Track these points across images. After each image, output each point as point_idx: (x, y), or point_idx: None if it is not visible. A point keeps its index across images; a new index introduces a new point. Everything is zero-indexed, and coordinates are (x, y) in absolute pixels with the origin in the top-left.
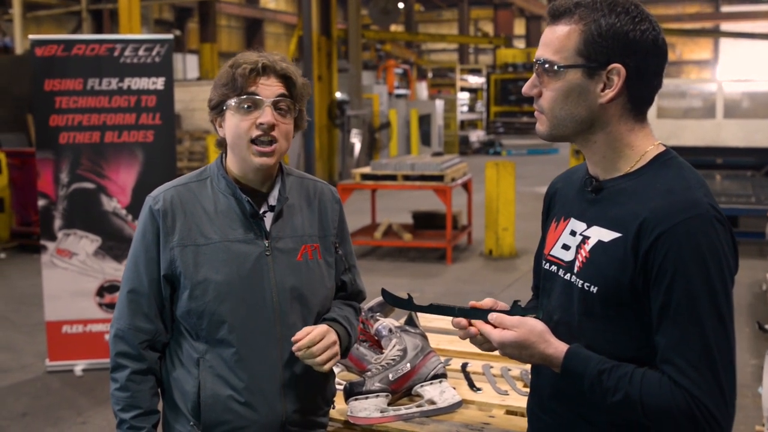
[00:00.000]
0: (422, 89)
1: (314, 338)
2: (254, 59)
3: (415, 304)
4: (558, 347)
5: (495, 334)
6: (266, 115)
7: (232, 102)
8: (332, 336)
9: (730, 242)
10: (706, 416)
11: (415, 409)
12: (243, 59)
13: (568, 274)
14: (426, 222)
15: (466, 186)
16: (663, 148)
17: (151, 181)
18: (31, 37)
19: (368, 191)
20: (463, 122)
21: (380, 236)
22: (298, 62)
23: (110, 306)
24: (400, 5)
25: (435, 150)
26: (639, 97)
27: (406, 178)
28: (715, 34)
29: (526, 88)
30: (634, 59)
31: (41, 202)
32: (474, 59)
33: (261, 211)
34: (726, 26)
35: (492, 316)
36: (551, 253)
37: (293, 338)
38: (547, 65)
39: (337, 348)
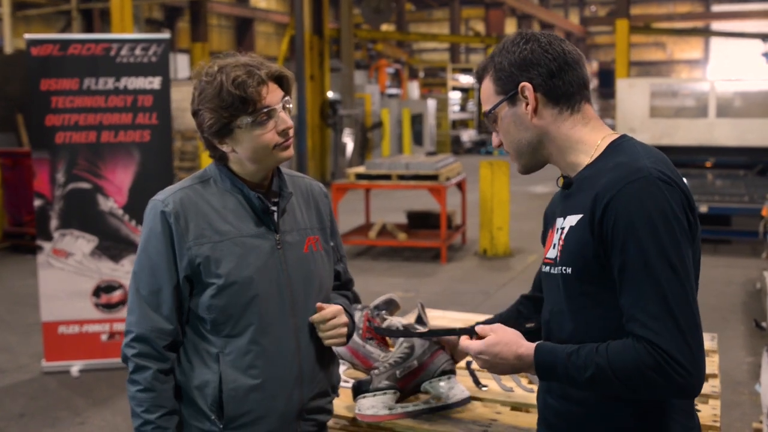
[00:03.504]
0: (414, 89)
1: (326, 315)
2: (246, 70)
3: (410, 331)
4: (529, 346)
5: (472, 345)
6: (284, 121)
7: (246, 121)
8: (344, 318)
9: (680, 201)
10: (671, 364)
11: (423, 406)
12: (234, 72)
13: (556, 268)
14: (420, 221)
15: (460, 185)
16: (617, 135)
17: (148, 180)
18: (26, 36)
19: (362, 191)
20: (454, 122)
21: (375, 236)
22: (290, 62)
23: (106, 306)
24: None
25: (427, 149)
26: (557, 95)
27: (401, 177)
28: (706, 33)
29: (495, 142)
30: (534, 71)
31: (37, 202)
32: (465, 59)
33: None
34: (717, 25)
35: (478, 328)
36: (546, 256)
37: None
38: (487, 116)
39: (345, 330)
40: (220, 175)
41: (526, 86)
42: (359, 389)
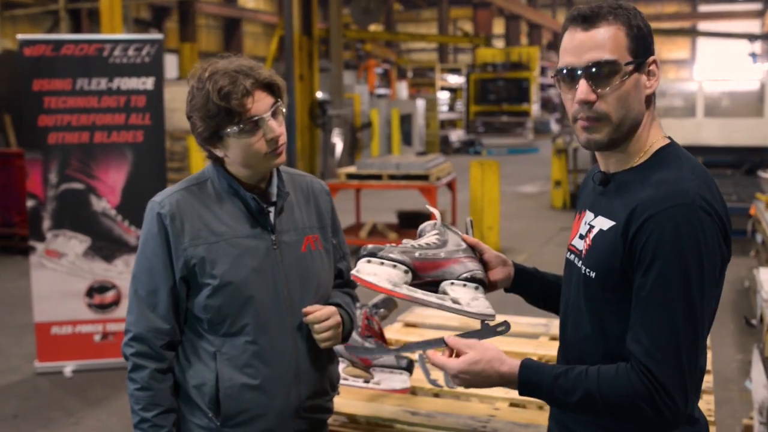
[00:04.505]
0: (402, 89)
1: (319, 317)
2: (232, 79)
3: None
4: (512, 363)
5: (450, 363)
6: (273, 130)
7: (233, 130)
8: (337, 318)
9: (716, 233)
10: (664, 398)
11: (434, 299)
12: (220, 81)
13: (580, 262)
14: (411, 221)
15: (450, 185)
16: (667, 141)
17: (141, 181)
18: (19, 36)
19: (353, 191)
20: (443, 122)
21: (365, 236)
22: (279, 62)
23: (100, 307)
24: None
25: (417, 150)
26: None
27: (392, 177)
28: (693, 33)
29: (584, 95)
30: (653, 50)
31: (30, 203)
32: (453, 59)
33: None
34: (703, 25)
35: (449, 340)
36: (572, 243)
37: (303, 310)
38: (608, 66)
39: (339, 331)
40: (217, 177)
41: (657, 61)
42: (367, 251)
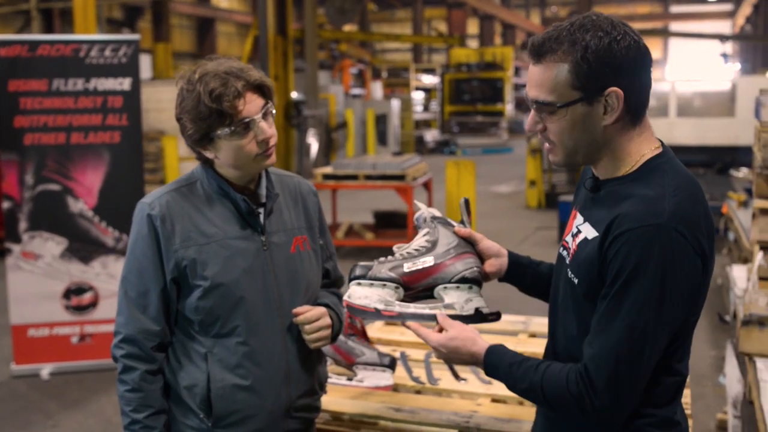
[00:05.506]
0: (377, 89)
1: (310, 318)
2: (223, 81)
3: (383, 314)
4: (483, 345)
5: (432, 337)
6: (264, 131)
7: (224, 131)
8: (327, 320)
9: (687, 255)
10: (593, 398)
11: (426, 311)
12: (212, 83)
13: (568, 260)
14: (387, 221)
15: (426, 185)
16: (658, 152)
17: (118, 182)
18: None
19: (328, 191)
20: (417, 122)
21: (342, 236)
22: (253, 62)
23: (77, 308)
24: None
25: (392, 150)
26: (637, 107)
27: (368, 177)
28: (666, 34)
29: (529, 127)
30: (627, 77)
31: (6, 205)
32: (428, 59)
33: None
34: (675, 26)
35: (440, 317)
36: (565, 239)
37: (294, 311)
38: (545, 106)
39: (329, 332)
40: (206, 178)
41: (617, 93)
42: (356, 274)
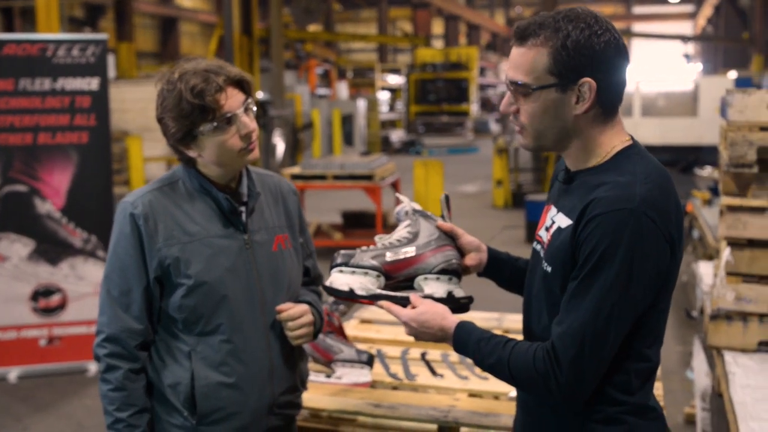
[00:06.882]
0: (343, 89)
1: (293, 315)
2: (204, 78)
3: (357, 294)
4: (453, 320)
5: (402, 312)
6: (246, 125)
7: (207, 128)
8: (310, 316)
9: (657, 240)
10: (559, 377)
11: (400, 294)
12: (192, 80)
13: (542, 253)
14: (355, 221)
15: (394, 185)
16: (628, 143)
17: (87, 183)
18: None
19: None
20: (383, 122)
21: (311, 236)
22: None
23: (45, 311)
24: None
25: (358, 150)
26: (609, 102)
27: (336, 177)
28: (628, 34)
29: (503, 107)
30: (602, 71)
31: None
32: (393, 59)
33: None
34: (638, 27)
35: (412, 296)
36: (538, 233)
37: (277, 308)
38: (520, 87)
39: (311, 329)
40: (188, 177)
41: (590, 84)
42: (338, 262)
